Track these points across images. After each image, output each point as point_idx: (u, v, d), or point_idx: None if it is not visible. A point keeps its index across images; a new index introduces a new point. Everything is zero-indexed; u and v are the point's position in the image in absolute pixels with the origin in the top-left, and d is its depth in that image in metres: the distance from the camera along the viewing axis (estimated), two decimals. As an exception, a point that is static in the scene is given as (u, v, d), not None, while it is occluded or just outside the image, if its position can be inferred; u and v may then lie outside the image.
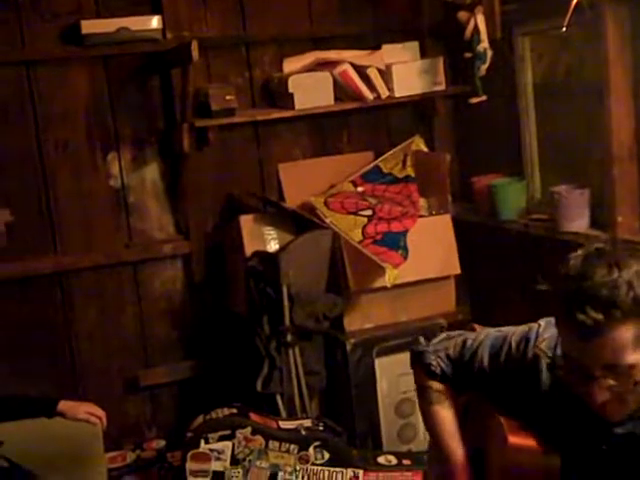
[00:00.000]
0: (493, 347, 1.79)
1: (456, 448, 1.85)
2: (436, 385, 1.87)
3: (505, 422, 1.71)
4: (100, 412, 2.79)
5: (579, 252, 1.53)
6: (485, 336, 1.84)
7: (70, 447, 2.77)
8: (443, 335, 1.93)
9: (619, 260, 1.46)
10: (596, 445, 1.61)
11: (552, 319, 1.67)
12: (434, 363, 1.87)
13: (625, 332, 1.44)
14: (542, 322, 1.76)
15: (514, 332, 1.79)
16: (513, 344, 1.76)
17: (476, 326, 2.15)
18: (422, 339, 1.96)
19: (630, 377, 1.46)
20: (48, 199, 3.51)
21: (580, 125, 3.28)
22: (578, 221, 3.18)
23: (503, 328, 1.84)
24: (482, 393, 1.83)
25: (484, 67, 3.47)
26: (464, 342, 1.86)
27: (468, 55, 3.49)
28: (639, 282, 1.44)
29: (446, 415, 1.87)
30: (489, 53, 3.43)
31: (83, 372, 3.59)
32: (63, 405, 2.74)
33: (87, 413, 2.76)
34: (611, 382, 1.48)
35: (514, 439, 1.68)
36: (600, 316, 1.43)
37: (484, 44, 3.42)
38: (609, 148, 3.00)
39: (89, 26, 3.39)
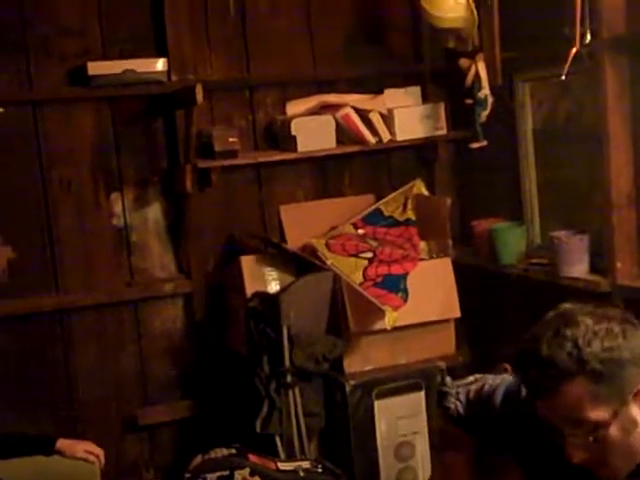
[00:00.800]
0: (507, 392, 1.79)
1: None
2: (452, 430, 1.87)
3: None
4: (98, 450, 2.79)
5: (548, 314, 1.55)
6: (501, 380, 1.84)
7: (68, 486, 2.76)
8: (470, 378, 1.92)
9: (571, 319, 1.48)
10: None
11: None
12: (452, 407, 1.86)
13: (574, 389, 1.44)
14: None
15: None
16: (524, 392, 1.73)
17: (507, 366, 2.14)
18: (449, 380, 1.95)
19: (597, 434, 1.46)
20: (51, 237, 3.52)
21: (580, 171, 3.31)
22: (578, 266, 3.19)
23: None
24: (496, 439, 1.81)
25: (485, 113, 3.52)
26: (483, 385, 1.86)
27: (469, 101, 3.54)
28: (586, 340, 1.44)
29: (457, 462, 1.85)
30: (490, 99, 3.49)
31: (82, 410, 3.57)
32: (61, 443, 2.75)
33: (85, 451, 2.77)
34: (581, 440, 1.47)
35: None
36: (541, 375, 1.46)
37: (485, 91, 3.48)
38: (608, 195, 3.02)
39: (96, 68, 3.44)
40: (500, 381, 1.84)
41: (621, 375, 1.45)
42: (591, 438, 1.46)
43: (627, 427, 1.47)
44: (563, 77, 2.95)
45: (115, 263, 3.63)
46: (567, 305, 1.54)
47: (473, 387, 1.88)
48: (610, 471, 1.51)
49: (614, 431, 1.46)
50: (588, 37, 2.90)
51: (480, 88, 3.48)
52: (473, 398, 1.85)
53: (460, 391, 1.89)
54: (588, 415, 1.45)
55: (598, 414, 1.45)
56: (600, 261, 3.17)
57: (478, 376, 1.92)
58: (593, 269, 3.20)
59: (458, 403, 1.86)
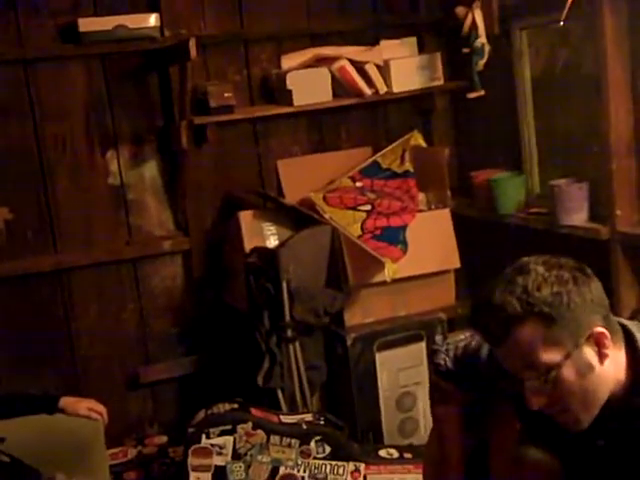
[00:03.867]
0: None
1: (452, 449, 1.87)
2: (442, 384, 1.90)
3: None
4: (101, 408, 2.79)
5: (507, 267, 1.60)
6: None
7: (72, 443, 2.78)
8: (461, 336, 1.96)
9: (524, 268, 1.54)
10: (591, 442, 1.62)
11: None
12: (442, 362, 1.90)
13: (525, 332, 1.49)
14: None
15: None
16: None
17: None
18: (439, 338, 2.00)
19: (549, 376, 1.50)
20: (47, 197, 3.51)
21: (579, 119, 3.28)
22: (577, 215, 3.19)
23: None
24: (483, 390, 1.85)
25: (482, 62, 3.48)
26: (470, 342, 1.90)
27: (466, 50, 3.50)
28: (535, 286, 1.50)
29: (449, 414, 1.89)
30: (487, 48, 3.45)
31: (84, 369, 3.59)
32: (64, 401, 2.75)
33: (88, 409, 2.77)
34: (537, 383, 1.52)
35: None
36: (493, 322, 1.52)
37: (482, 39, 3.44)
38: (607, 142, 3.00)
39: (86, 24, 3.39)
40: None
41: (572, 319, 1.50)
42: (545, 380, 1.50)
43: (581, 370, 1.51)
44: (561, 23, 2.91)
45: (113, 222, 3.62)
46: (525, 258, 1.59)
47: (461, 344, 1.92)
48: (571, 417, 1.55)
49: (567, 373, 1.51)
50: (586, -19, 2.85)
51: (477, 37, 3.43)
52: (461, 354, 1.90)
53: (449, 348, 1.93)
54: (540, 357, 1.50)
55: (550, 356, 1.50)
56: (600, 209, 3.16)
57: (468, 333, 1.94)
58: (593, 217, 3.19)
59: (447, 359, 1.90)
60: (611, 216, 3.04)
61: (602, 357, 1.53)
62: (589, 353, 1.52)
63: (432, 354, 1.97)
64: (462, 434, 1.88)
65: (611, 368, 1.54)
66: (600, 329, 1.52)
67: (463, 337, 1.95)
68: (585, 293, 1.51)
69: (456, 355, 1.90)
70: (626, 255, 3.02)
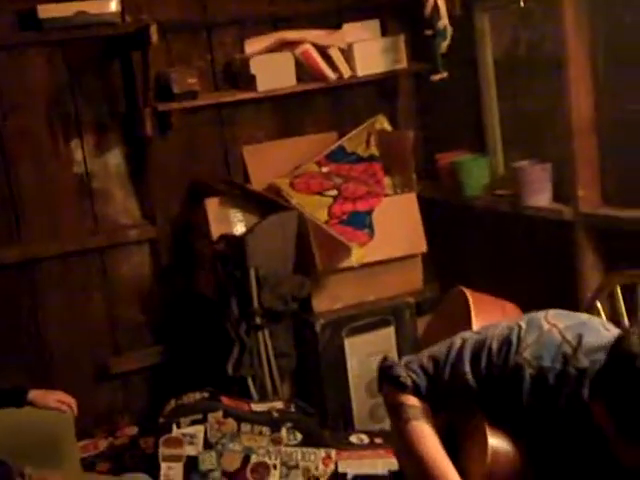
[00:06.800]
0: (473, 352, 1.69)
1: (447, 466, 1.64)
2: (410, 399, 1.71)
3: (487, 425, 1.66)
4: (70, 400, 2.78)
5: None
6: (462, 342, 1.72)
7: (42, 436, 2.75)
8: (413, 356, 1.79)
9: None
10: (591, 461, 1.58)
11: (534, 319, 1.66)
12: (403, 374, 1.72)
13: None
14: (523, 323, 1.68)
15: (493, 334, 1.69)
16: (494, 347, 1.66)
17: (462, 288, 2.02)
18: (389, 356, 1.86)
19: None
20: (11, 188, 3.47)
21: (541, 100, 3.30)
22: (541, 196, 3.21)
23: (482, 329, 1.75)
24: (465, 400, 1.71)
25: (445, 44, 3.48)
26: (439, 355, 1.73)
27: (429, 32, 3.49)
28: None
29: (427, 430, 1.68)
30: (449, 30, 3.45)
31: (53, 361, 3.57)
32: (33, 394, 2.73)
33: (57, 401, 2.75)
34: None
35: (494, 442, 1.63)
36: None
37: (444, 21, 3.44)
38: (569, 122, 3.02)
39: (46, 10, 3.33)
40: (460, 343, 1.72)
41: None
42: None
43: None
44: (522, 4, 2.91)
45: (78, 211, 3.59)
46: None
47: (424, 355, 1.75)
48: None
49: None
50: (546, -38, 2.86)
51: (439, 18, 3.43)
52: (433, 369, 1.72)
53: (410, 360, 1.76)
54: None
55: None
56: (563, 190, 3.18)
57: (423, 351, 1.78)
58: (556, 198, 3.22)
59: (411, 373, 1.72)
60: (574, 197, 3.06)
61: None
62: None
63: (385, 371, 1.76)
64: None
65: None
66: None
67: (416, 355, 1.78)
68: None
69: (425, 368, 1.72)
70: (589, 236, 3.04)
